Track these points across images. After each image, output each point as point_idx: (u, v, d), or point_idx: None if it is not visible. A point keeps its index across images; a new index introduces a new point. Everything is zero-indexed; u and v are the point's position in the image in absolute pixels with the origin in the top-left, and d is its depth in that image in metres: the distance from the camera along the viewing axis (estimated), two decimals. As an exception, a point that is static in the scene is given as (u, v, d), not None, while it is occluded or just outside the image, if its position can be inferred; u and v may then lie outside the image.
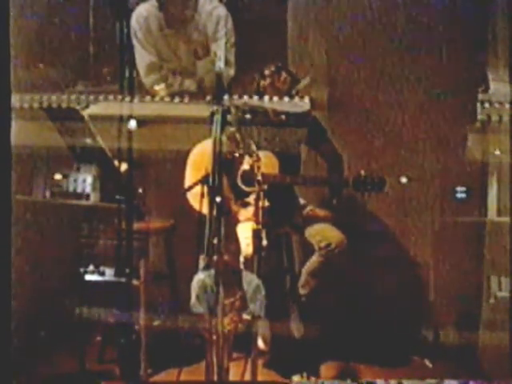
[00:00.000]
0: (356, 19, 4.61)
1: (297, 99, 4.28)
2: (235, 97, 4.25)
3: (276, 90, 4.31)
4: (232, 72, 4.61)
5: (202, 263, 3.44)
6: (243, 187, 4.14)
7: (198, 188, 3.58)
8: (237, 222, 3.98)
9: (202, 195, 3.52)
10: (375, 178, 4.11)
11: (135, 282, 4.12)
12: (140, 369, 4.14)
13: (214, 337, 3.36)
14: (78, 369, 4.11)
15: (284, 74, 4.34)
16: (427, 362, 4.45)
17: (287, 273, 4.34)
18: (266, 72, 4.34)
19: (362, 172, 4.11)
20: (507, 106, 4.19)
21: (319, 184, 4.37)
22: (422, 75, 4.58)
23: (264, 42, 4.73)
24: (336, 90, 4.68)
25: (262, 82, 4.35)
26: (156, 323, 4.28)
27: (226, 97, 4.02)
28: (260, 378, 3.70)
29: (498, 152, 4.27)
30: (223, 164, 3.40)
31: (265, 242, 3.56)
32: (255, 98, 4.29)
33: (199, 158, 4.07)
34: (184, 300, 3.57)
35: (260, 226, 3.56)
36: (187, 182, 4.11)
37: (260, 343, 4.24)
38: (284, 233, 4.30)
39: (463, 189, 4.53)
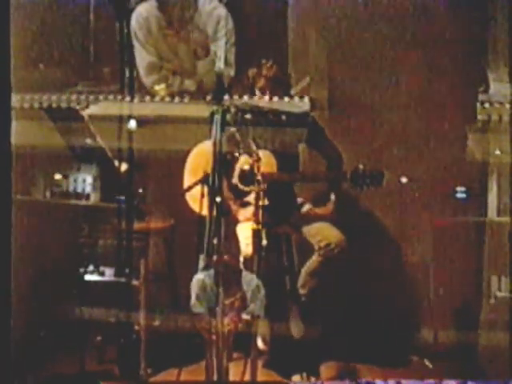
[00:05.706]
0: (356, 19, 4.62)
1: (296, 99, 4.28)
2: (235, 97, 4.25)
3: (265, 78, 4.29)
4: (232, 72, 4.61)
5: (201, 263, 3.44)
6: (243, 187, 4.14)
7: (197, 189, 3.58)
8: (236, 221, 3.98)
9: (202, 195, 3.52)
10: (373, 172, 4.08)
11: (135, 282, 4.12)
12: (140, 369, 4.15)
13: (214, 337, 3.36)
14: (78, 369, 4.11)
15: (269, 62, 4.33)
16: (427, 362, 4.45)
17: (287, 273, 4.33)
18: (254, 66, 4.35)
19: (360, 166, 4.08)
20: (507, 105, 4.19)
21: (318, 180, 4.36)
22: (422, 75, 4.58)
23: (264, 41, 4.74)
24: (336, 90, 4.68)
25: (251, 72, 4.33)
26: (156, 323, 4.28)
27: (226, 97, 4.02)
28: (260, 378, 3.70)
29: (498, 152, 4.28)
30: (223, 164, 3.41)
31: (264, 242, 3.56)
32: (255, 98, 4.29)
33: (197, 161, 4.07)
34: (184, 300, 3.58)
35: (260, 226, 3.57)
36: (186, 185, 4.11)
37: (260, 343, 4.23)
38: (283, 233, 4.30)
39: (463, 189, 4.53)
